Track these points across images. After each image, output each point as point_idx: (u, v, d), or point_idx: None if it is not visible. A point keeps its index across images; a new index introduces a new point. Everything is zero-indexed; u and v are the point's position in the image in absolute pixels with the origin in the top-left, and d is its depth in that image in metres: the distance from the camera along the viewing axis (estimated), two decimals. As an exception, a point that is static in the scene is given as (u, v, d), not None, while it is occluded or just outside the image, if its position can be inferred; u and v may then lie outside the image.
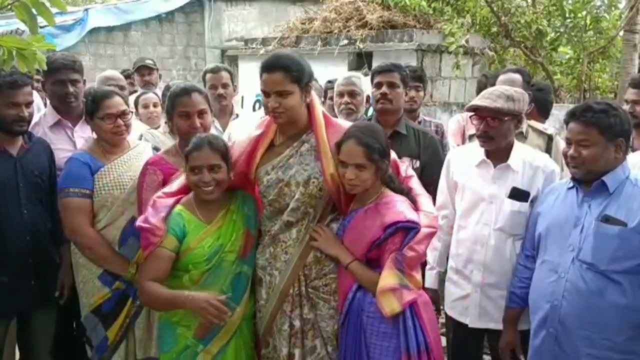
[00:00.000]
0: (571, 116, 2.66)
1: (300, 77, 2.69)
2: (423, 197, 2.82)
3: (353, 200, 2.80)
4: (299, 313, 2.79)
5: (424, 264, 3.24)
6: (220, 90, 4.35)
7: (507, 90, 3.05)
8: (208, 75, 4.44)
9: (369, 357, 2.65)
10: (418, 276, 2.67)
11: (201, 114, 3.05)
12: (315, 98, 2.86)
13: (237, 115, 4.56)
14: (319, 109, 2.84)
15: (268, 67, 2.69)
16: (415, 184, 2.89)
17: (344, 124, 2.93)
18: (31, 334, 3.38)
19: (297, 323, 2.79)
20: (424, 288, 2.88)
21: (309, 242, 2.79)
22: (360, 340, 2.68)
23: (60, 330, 3.50)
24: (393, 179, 2.80)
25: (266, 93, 2.70)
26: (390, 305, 2.57)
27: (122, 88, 3.99)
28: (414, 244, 2.60)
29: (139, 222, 2.74)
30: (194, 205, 2.80)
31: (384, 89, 3.71)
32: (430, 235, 2.69)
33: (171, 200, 2.81)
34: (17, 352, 3.69)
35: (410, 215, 2.64)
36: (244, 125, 3.66)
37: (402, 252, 2.59)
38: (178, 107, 3.04)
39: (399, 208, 2.66)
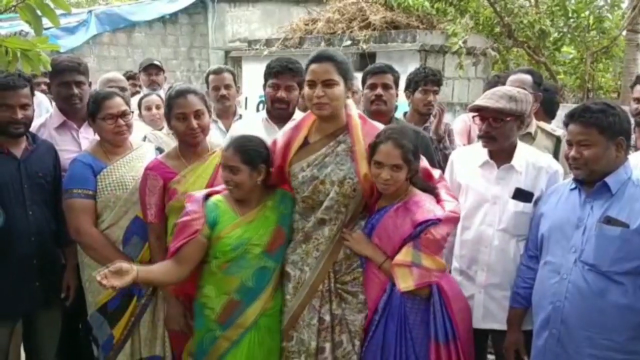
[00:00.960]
0: (570, 117, 2.67)
1: (347, 70, 2.80)
2: (444, 193, 2.88)
3: (380, 198, 2.87)
4: (328, 308, 2.87)
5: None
6: (223, 92, 4.38)
7: (509, 90, 3.04)
8: (211, 77, 4.48)
9: (414, 344, 2.74)
10: (440, 259, 2.73)
11: (198, 114, 3.06)
12: (350, 100, 2.94)
13: (240, 116, 4.58)
14: (355, 109, 2.92)
15: (317, 58, 2.79)
16: (441, 187, 2.92)
17: (377, 124, 2.97)
18: (36, 336, 3.38)
19: (327, 318, 2.87)
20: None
21: (340, 240, 2.86)
22: (404, 329, 2.76)
23: (66, 331, 3.51)
24: (420, 179, 2.86)
25: (312, 83, 2.77)
26: (405, 281, 2.67)
27: (123, 89, 4.00)
28: (432, 228, 2.68)
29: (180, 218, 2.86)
30: (231, 198, 2.92)
31: (379, 90, 3.73)
32: (450, 220, 2.75)
33: (204, 192, 2.94)
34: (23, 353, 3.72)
35: (440, 213, 2.72)
36: (246, 126, 3.68)
37: (420, 234, 2.68)
38: (175, 109, 3.07)
39: (429, 207, 2.74)
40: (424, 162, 2.95)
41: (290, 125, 3.02)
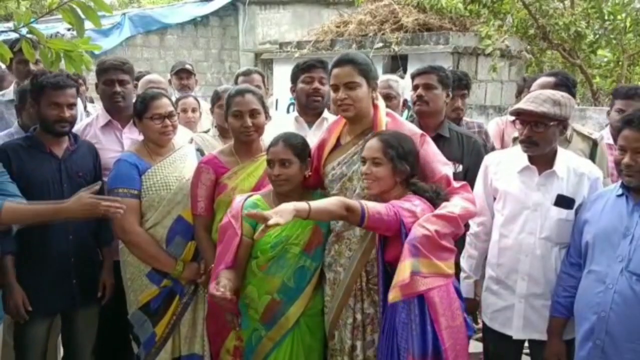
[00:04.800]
0: (627, 123, 2.59)
1: (367, 71, 2.86)
2: (457, 199, 2.77)
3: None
4: (360, 307, 2.91)
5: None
6: None
7: (553, 94, 2.94)
8: (240, 79, 4.53)
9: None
10: (438, 262, 2.57)
11: (253, 113, 3.14)
12: (381, 99, 3.00)
13: (271, 118, 4.59)
14: (384, 109, 2.97)
15: (337, 62, 2.89)
16: (457, 197, 2.79)
17: (407, 124, 3.02)
18: (74, 332, 3.43)
19: (358, 316, 2.91)
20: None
21: (371, 239, 2.84)
22: (393, 344, 2.66)
23: (104, 329, 3.55)
24: (422, 187, 2.75)
25: (335, 87, 2.88)
26: (393, 294, 2.53)
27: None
28: (423, 221, 2.57)
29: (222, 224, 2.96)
30: (271, 197, 2.99)
31: (420, 90, 3.71)
32: (443, 218, 2.61)
33: (245, 196, 3.01)
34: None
35: (405, 206, 2.59)
36: (278, 126, 3.69)
37: (410, 234, 2.55)
38: (232, 107, 3.16)
39: (404, 203, 2.63)
40: (447, 171, 2.89)
41: (325, 130, 3.13)
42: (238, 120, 3.13)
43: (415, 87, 3.76)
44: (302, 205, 2.47)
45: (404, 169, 2.72)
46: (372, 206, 2.55)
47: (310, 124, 3.79)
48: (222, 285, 2.64)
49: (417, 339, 2.57)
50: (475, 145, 3.70)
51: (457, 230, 2.73)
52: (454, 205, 2.71)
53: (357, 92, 2.83)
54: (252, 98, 3.17)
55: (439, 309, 2.59)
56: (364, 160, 2.74)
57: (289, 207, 2.42)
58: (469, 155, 3.63)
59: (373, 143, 2.72)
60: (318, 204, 2.54)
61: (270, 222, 2.31)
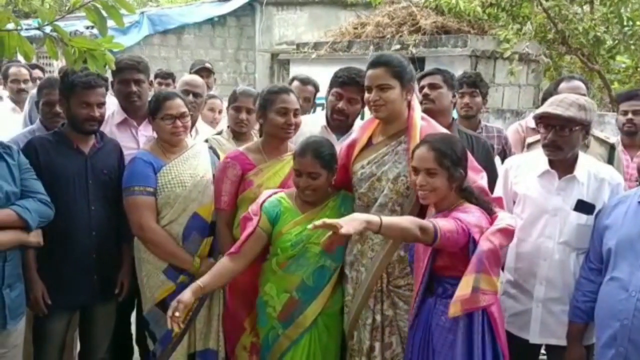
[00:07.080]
0: None
1: (402, 73, 2.86)
2: (501, 211, 2.75)
3: (433, 207, 2.77)
4: (380, 308, 2.93)
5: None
6: (301, 102, 4.38)
7: (578, 99, 2.93)
8: (295, 83, 4.52)
9: None
10: (494, 277, 2.54)
11: (296, 113, 3.20)
12: (416, 101, 3.00)
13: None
14: (418, 111, 2.97)
15: (371, 64, 2.90)
16: (501, 210, 2.78)
17: (442, 129, 3.00)
18: (92, 327, 3.46)
19: (378, 317, 2.93)
20: None
21: (394, 241, 2.84)
22: (428, 346, 2.66)
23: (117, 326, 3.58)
24: (473, 192, 2.71)
25: (369, 88, 2.89)
26: (454, 306, 2.49)
27: (195, 95, 3.99)
28: (489, 234, 2.52)
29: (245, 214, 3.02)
30: (294, 196, 3.03)
31: (426, 90, 3.78)
32: (505, 232, 2.57)
33: (269, 192, 3.06)
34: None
35: (477, 225, 2.53)
36: (307, 127, 3.66)
37: (478, 247, 2.49)
38: (277, 104, 3.17)
39: (470, 218, 2.56)
40: (482, 181, 2.88)
41: (357, 129, 3.13)
42: (282, 117, 3.16)
43: (421, 88, 3.82)
44: (374, 218, 2.37)
45: (460, 175, 2.66)
46: (442, 225, 2.45)
47: (338, 135, 3.62)
48: (177, 309, 2.64)
49: (478, 351, 2.55)
50: (484, 145, 3.74)
51: (509, 244, 2.75)
52: (510, 217, 2.70)
53: (389, 94, 2.83)
54: (296, 99, 3.23)
55: (499, 323, 2.61)
56: (415, 170, 2.66)
57: (361, 217, 2.37)
58: (479, 154, 3.61)
59: (424, 153, 2.61)
60: (391, 220, 2.45)
61: (342, 230, 2.25)
